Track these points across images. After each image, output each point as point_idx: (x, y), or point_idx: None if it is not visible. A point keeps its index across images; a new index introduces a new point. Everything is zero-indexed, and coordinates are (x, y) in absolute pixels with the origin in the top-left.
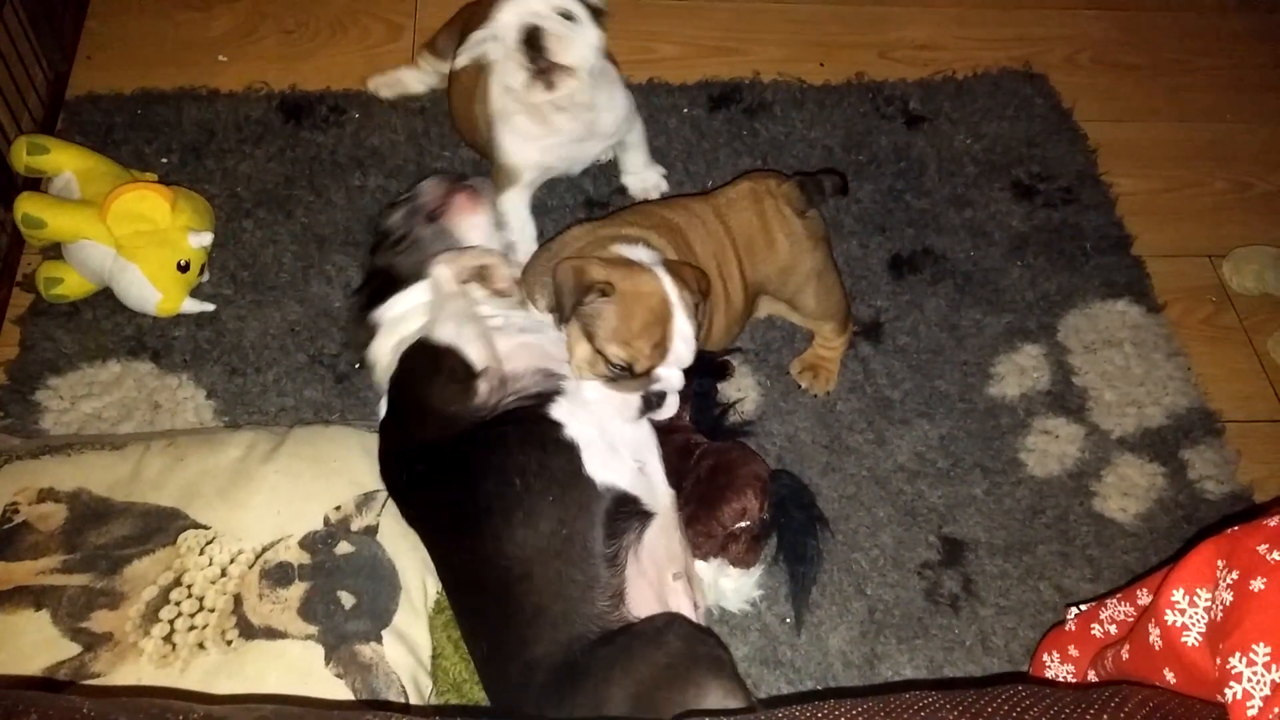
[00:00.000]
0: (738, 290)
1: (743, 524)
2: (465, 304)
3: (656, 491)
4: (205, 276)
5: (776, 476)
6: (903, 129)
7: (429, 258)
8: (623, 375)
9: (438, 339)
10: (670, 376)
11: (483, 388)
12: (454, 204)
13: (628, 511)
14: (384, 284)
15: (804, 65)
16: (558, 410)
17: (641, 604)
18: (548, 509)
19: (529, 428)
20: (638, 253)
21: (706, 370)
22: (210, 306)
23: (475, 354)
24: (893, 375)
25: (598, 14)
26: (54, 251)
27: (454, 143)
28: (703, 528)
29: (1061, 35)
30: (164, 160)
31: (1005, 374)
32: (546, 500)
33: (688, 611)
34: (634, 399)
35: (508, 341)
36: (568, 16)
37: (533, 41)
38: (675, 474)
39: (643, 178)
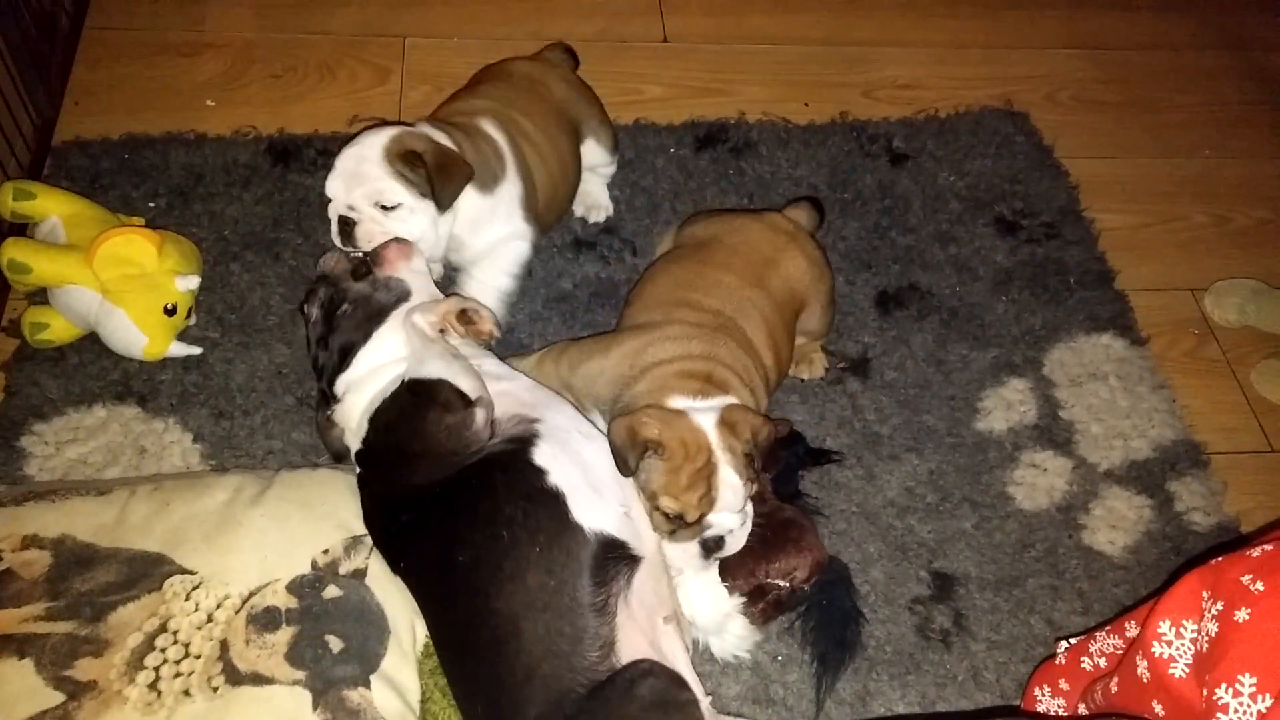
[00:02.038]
0: (786, 344)
1: (782, 583)
2: (446, 347)
3: (643, 535)
4: (192, 320)
5: (831, 561)
6: (887, 167)
7: (381, 310)
8: (679, 525)
9: (428, 375)
10: (722, 521)
11: (479, 416)
12: (387, 256)
13: (615, 557)
14: (340, 355)
15: (789, 105)
16: (540, 455)
17: (634, 651)
18: (535, 559)
19: (513, 476)
20: (693, 402)
21: (807, 451)
22: (197, 350)
23: (468, 385)
24: (881, 411)
25: (436, 188)
26: (40, 296)
27: None
28: (749, 566)
29: (1041, 74)
30: (151, 204)
31: (992, 408)
32: (534, 551)
33: (680, 653)
34: (694, 546)
35: (489, 387)
36: (386, 205)
37: (346, 233)
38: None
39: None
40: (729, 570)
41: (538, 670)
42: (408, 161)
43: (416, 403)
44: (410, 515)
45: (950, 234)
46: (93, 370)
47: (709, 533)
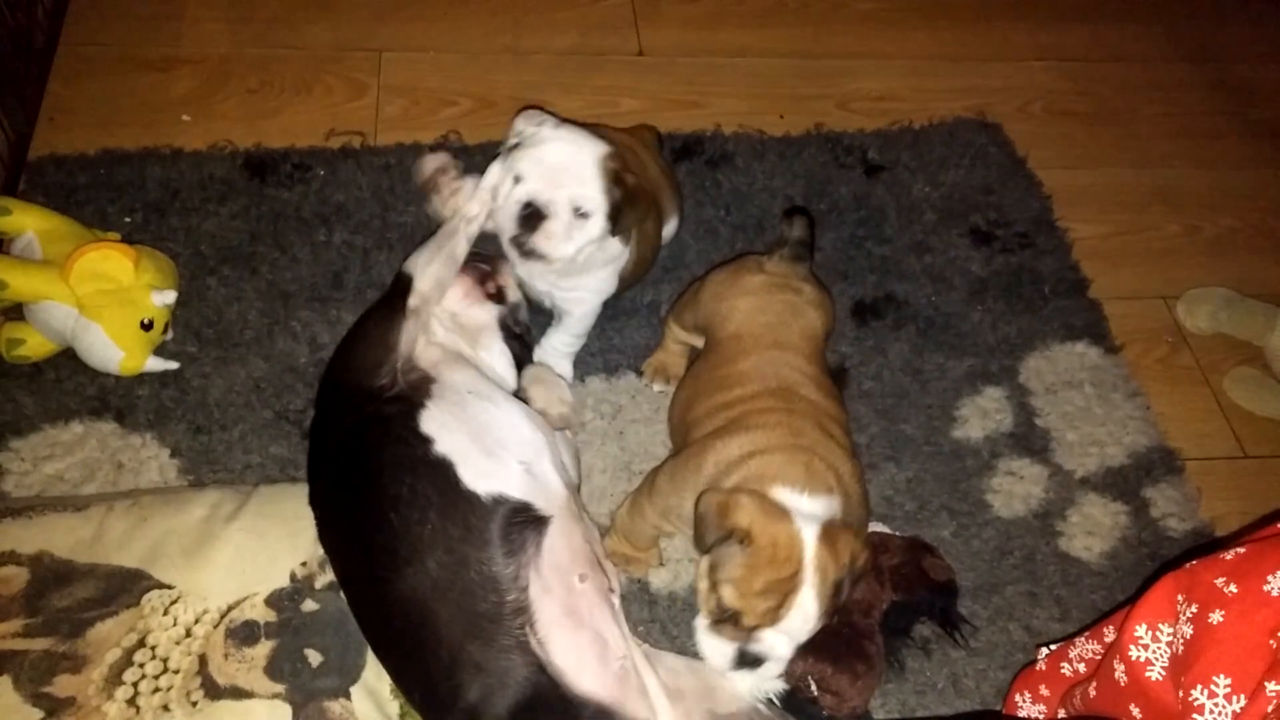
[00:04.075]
0: (830, 381)
1: (815, 692)
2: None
3: (550, 490)
4: (169, 335)
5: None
6: (862, 178)
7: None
8: (728, 620)
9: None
10: (775, 644)
11: (405, 329)
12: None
13: (522, 521)
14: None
15: (764, 117)
16: (426, 422)
17: (550, 623)
18: (429, 539)
19: (398, 448)
20: (799, 498)
21: (946, 608)
22: (174, 365)
23: (424, 282)
24: (859, 420)
25: (620, 216)
26: (16, 312)
27: (418, 198)
28: (801, 656)
29: (1013, 86)
30: (127, 220)
31: (969, 416)
32: (425, 530)
33: (600, 612)
34: (730, 649)
35: (427, 346)
36: (581, 212)
37: (528, 222)
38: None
39: (554, 363)
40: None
41: (462, 654)
42: (616, 179)
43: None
44: (320, 481)
45: (925, 244)
46: (69, 386)
47: (753, 646)
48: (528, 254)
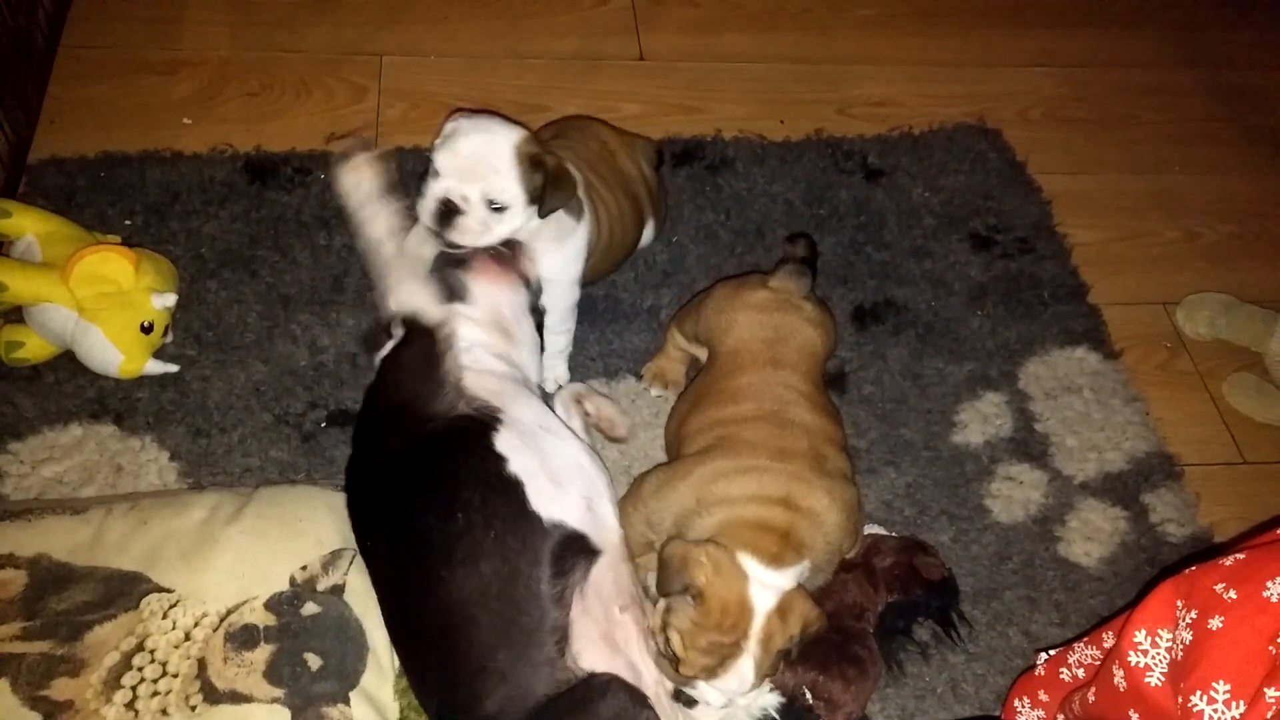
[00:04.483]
0: (827, 400)
1: (811, 701)
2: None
3: (605, 528)
4: (169, 338)
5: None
6: (862, 183)
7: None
8: (670, 660)
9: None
10: (708, 695)
11: (447, 343)
12: (487, 270)
13: (575, 549)
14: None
15: (764, 122)
16: (500, 442)
17: (586, 642)
18: (490, 546)
19: (473, 459)
20: (763, 572)
21: (944, 606)
22: (174, 368)
23: (428, 309)
24: (858, 425)
25: (544, 198)
26: (15, 315)
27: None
28: (799, 668)
29: (1013, 91)
30: (127, 222)
31: (969, 422)
32: (489, 536)
33: (634, 642)
34: (668, 685)
35: (477, 375)
36: (496, 205)
37: (445, 219)
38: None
39: (550, 365)
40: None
41: (492, 662)
42: (533, 164)
43: (398, 350)
44: (375, 485)
45: (925, 249)
46: (68, 389)
47: (688, 689)
48: (450, 246)
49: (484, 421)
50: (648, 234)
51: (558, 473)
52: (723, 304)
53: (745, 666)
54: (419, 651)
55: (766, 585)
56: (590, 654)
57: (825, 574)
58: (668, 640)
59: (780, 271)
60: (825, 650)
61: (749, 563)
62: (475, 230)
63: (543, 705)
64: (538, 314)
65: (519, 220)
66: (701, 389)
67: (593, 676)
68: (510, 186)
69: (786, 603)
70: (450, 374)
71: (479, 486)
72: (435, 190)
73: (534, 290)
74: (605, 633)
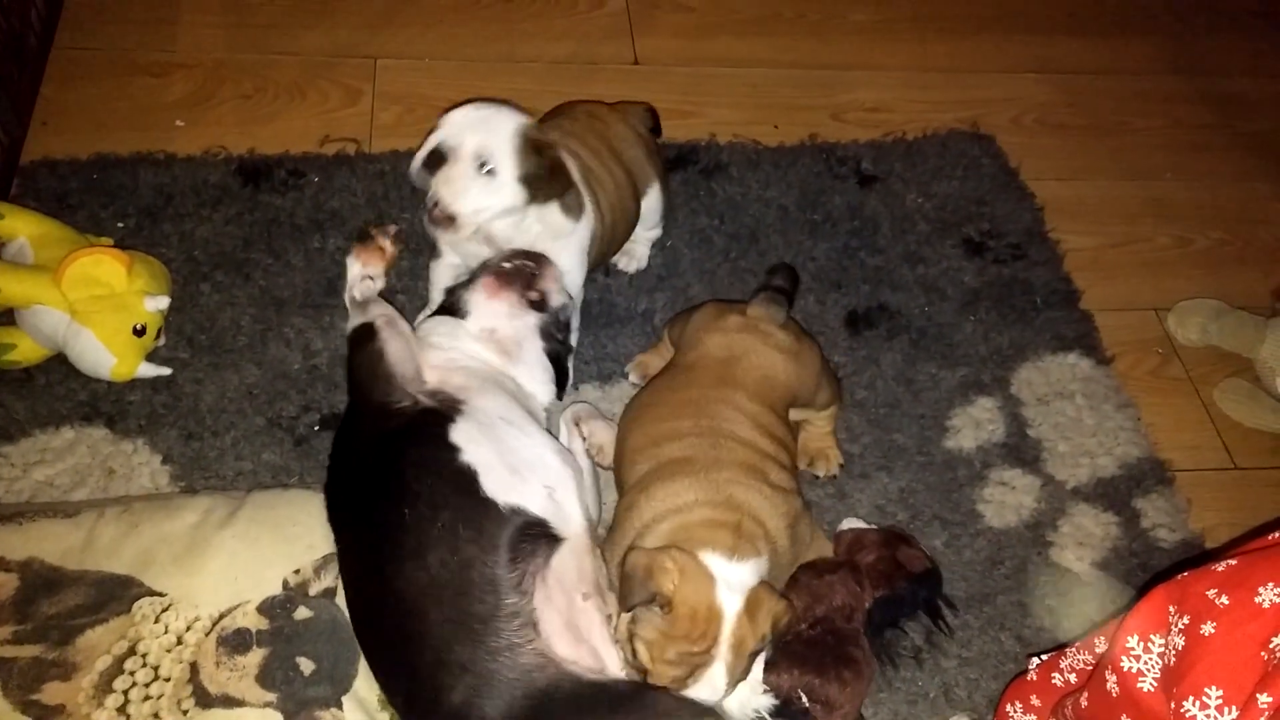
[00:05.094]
0: (779, 424)
1: (805, 704)
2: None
3: (568, 518)
4: (162, 340)
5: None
6: (856, 188)
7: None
8: (638, 671)
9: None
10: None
11: (390, 343)
12: (483, 282)
13: (534, 534)
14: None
15: (759, 127)
16: (456, 433)
17: (550, 629)
18: (436, 537)
19: (425, 451)
20: (726, 564)
21: (929, 598)
22: (166, 370)
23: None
24: (851, 429)
25: (536, 185)
26: (7, 317)
27: (413, 205)
28: (793, 670)
29: (1006, 97)
30: (120, 225)
31: (961, 427)
32: (435, 529)
33: (597, 629)
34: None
35: (446, 370)
36: (486, 167)
37: (430, 164)
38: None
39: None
40: (773, 666)
41: (449, 654)
42: (534, 148)
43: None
44: (342, 484)
45: (918, 255)
46: (60, 391)
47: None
48: (435, 221)
49: (443, 414)
50: (657, 200)
51: (518, 464)
52: (700, 321)
53: (717, 674)
54: (378, 653)
55: (732, 585)
56: (554, 641)
57: (783, 576)
58: (634, 653)
59: (756, 299)
60: (820, 653)
61: (712, 560)
62: (457, 183)
63: (571, 697)
64: (555, 339)
65: (505, 197)
66: (648, 397)
67: (649, 693)
68: (504, 153)
69: (753, 599)
70: (398, 365)
71: (428, 477)
72: (430, 141)
73: (551, 313)
74: (569, 621)
